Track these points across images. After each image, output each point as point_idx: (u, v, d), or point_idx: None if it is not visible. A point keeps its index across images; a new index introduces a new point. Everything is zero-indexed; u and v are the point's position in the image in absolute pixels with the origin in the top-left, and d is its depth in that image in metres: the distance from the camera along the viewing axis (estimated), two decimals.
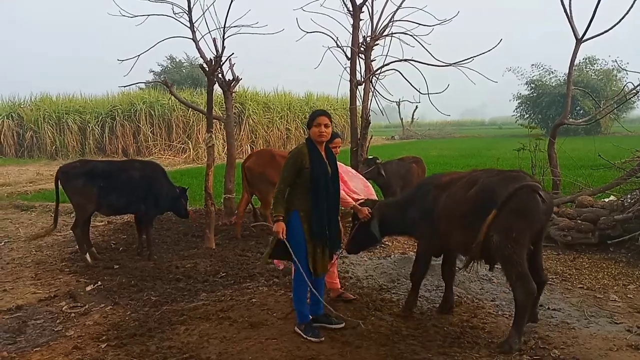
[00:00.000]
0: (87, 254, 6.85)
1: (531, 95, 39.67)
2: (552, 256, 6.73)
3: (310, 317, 4.47)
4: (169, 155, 24.52)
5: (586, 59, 37.99)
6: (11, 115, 27.13)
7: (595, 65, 38.32)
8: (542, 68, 39.31)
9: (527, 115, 40.08)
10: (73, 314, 5.01)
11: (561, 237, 7.02)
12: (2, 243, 8.31)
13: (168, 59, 41.12)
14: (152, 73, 39.30)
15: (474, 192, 4.23)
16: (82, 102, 28.16)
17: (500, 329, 4.47)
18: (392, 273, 6.03)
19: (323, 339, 4.25)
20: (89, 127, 26.32)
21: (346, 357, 3.95)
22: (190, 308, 5.06)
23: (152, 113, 26.16)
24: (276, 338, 4.28)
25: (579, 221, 7.06)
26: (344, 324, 4.53)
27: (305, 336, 4.27)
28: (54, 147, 26.12)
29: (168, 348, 4.16)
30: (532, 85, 39.44)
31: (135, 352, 4.09)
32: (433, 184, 4.72)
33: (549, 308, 4.95)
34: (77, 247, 7.61)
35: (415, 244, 6.81)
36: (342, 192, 4.72)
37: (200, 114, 18.97)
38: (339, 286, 5.28)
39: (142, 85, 30.04)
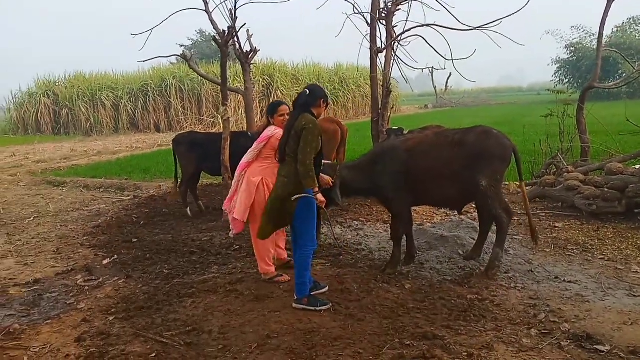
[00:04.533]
0: (188, 208, 8.11)
1: (571, 59, 38.04)
2: (575, 226, 6.48)
3: None
4: (200, 129, 24.73)
5: (630, 19, 36.12)
6: (47, 93, 27.92)
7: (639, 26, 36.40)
8: (582, 30, 37.57)
9: (567, 80, 38.55)
10: (87, 287, 5.12)
11: (586, 206, 6.74)
12: (32, 218, 8.58)
13: (198, 33, 41.23)
14: (182, 48, 39.44)
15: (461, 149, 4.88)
16: (114, 78, 28.67)
17: (510, 301, 4.34)
18: (405, 245, 5.90)
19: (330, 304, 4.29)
20: (121, 103, 26.79)
21: (347, 329, 3.89)
22: (200, 281, 5.10)
23: (182, 88, 26.38)
24: (279, 310, 4.27)
25: (606, 189, 6.75)
26: (327, 287, 4.65)
27: (314, 308, 4.23)
28: (88, 123, 26.74)
29: (173, 321, 4.21)
30: (571, 48, 37.74)
31: (140, 325, 4.15)
32: (401, 148, 5.12)
33: (564, 280, 4.77)
34: (99, 221, 7.95)
35: (426, 215, 6.71)
36: None
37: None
38: (285, 256, 5.43)
39: (174, 60, 30.25)
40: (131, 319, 4.30)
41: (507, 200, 5.11)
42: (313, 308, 4.25)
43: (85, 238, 7.07)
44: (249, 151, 5.03)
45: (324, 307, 4.25)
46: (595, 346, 3.54)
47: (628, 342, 3.59)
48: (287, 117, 4.84)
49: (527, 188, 8.36)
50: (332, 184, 4.77)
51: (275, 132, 4.84)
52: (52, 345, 3.88)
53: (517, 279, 4.87)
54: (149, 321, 4.22)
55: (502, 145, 4.91)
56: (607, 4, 7.98)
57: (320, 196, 4.19)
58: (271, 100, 26.20)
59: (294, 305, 4.33)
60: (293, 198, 4.19)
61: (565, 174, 7.65)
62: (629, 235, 6.00)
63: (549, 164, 8.54)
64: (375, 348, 3.60)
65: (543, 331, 3.80)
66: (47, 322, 4.32)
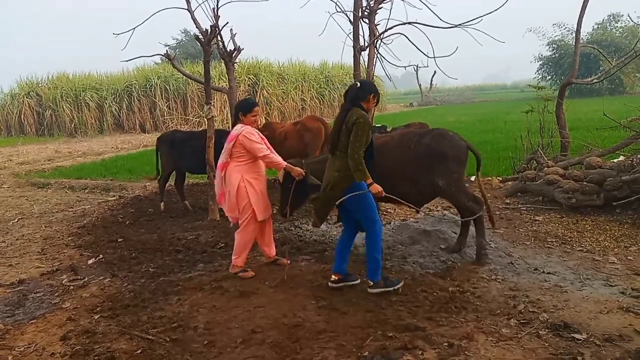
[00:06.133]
0: (162, 202, 8.39)
1: (553, 56, 38.35)
2: (555, 219, 6.60)
3: (336, 277, 4.63)
4: (186, 129, 24.65)
5: (610, 15, 36.57)
6: (30, 94, 27.59)
7: (619, 23, 36.83)
8: (563, 27, 37.87)
9: (550, 77, 38.90)
10: (72, 287, 5.13)
11: (565, 199, 6.87)
12: (16, 220, 8.52)
13: (183, 32, 40.93)
14: (167, 47, 39.13)
15: (417, 151, 5.13)
16: (98, 79, 28.43)
17: (490, 293, 4.43)
18: (389, 240, 5.97)
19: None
20: (106, 103, 26.58)
21: (331, 323, 3.96)
22: (185, 279, 5.13)
23: (167, 88, 26.27)
24: (264, 306, 4.32)
25: (585, 183, 6.89)
26: (359, 279, 4.73)
27: (393, 288, 4.42)
28: (72, 124, 26.50)
29: (159, 318, 4.24)
30: (553, 45, 38.06)
31: (126, 323, 4.17)
32: None
33: (544, 272, 4.88)
34: (85, 221, 7.93)
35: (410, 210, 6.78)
36: (275, 155, 5.05)
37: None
38: (274, 253, 5.47)
39: (159, 60, 30.05)
40: (117, 317, 4.32)
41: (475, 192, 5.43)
42: (391, 289, 4.42)
43: (70, 238, 7.05)
44: (222, 152, 5.15)
45: (398, 286, 4.44)
46: (572, 334, 3.64)
47: (603, 329, 3.69)
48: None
49: (509, 183, 8.54)
50: (304, 175, 4.97)
51: (242, 129, 4.97)
52: (37, 344, 3.90)
53: (498, 271, 4.97)
54: (134, 319, 4.25)
55: (456, 147, 5.17)
56: (583, 1, 8.11)
57: (375, 187, 4.30)
58: (257, 100, 26.26)
59: (370, 291, 4.45)
60: (338, 202, 4.38)
61: (546, 168, 7.78)
62: (607, 227, 6.14)
63: (529, 159, 8.68)
64: (358, 340, 3.67)
65: (522, 321, 3.89)
66: (32, 321, 4.34)
